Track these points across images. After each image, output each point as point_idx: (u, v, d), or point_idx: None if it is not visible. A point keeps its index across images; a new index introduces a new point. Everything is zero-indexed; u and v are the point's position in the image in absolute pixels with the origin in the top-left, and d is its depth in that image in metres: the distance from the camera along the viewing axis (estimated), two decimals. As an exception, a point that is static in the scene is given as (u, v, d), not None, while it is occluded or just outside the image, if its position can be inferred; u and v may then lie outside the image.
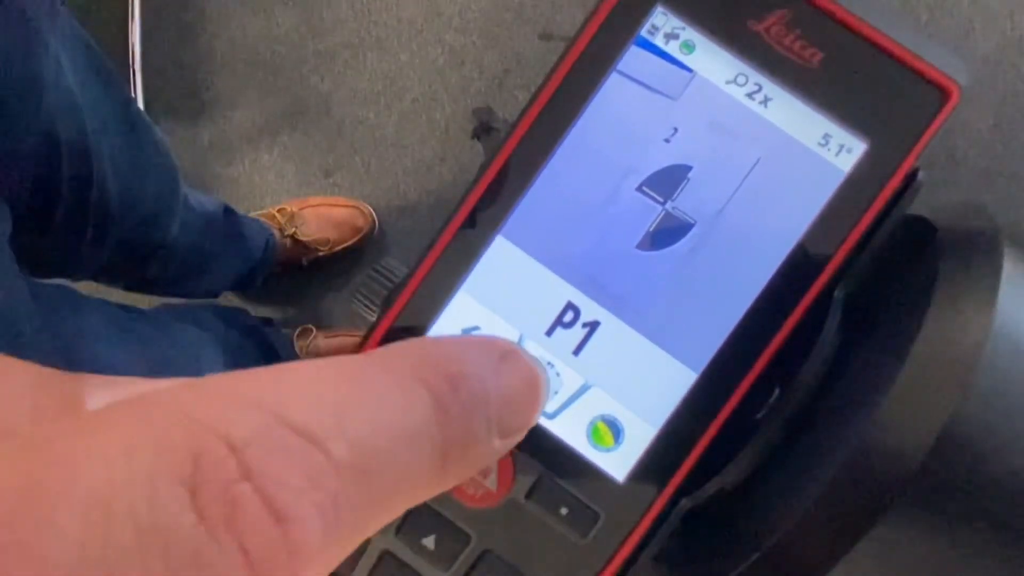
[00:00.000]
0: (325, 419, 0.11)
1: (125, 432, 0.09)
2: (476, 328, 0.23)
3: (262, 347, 0.90)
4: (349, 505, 0.10)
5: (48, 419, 0.12)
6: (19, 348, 0.45)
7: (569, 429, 0.23)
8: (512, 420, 0.13)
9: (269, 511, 0.09)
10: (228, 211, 0.87)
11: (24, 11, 0.50)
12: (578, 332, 0.23)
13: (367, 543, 0.23)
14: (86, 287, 0.71)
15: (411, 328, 0.24)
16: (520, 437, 0.14)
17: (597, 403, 0.23)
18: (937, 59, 0.22)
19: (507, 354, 0.13)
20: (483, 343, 0.13)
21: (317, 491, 0.10)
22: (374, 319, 0.24)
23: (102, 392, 0.13)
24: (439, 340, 0.13)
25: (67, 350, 0.52)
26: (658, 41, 0.23)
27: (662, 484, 0.23)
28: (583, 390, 0.23)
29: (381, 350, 0.13)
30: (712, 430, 0.23)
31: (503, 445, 0.13)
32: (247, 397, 0.10)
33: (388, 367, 0.12)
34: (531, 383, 0.14)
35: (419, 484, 0.12)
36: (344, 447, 0.10)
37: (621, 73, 0.23)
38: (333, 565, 0.11)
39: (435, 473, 0.12)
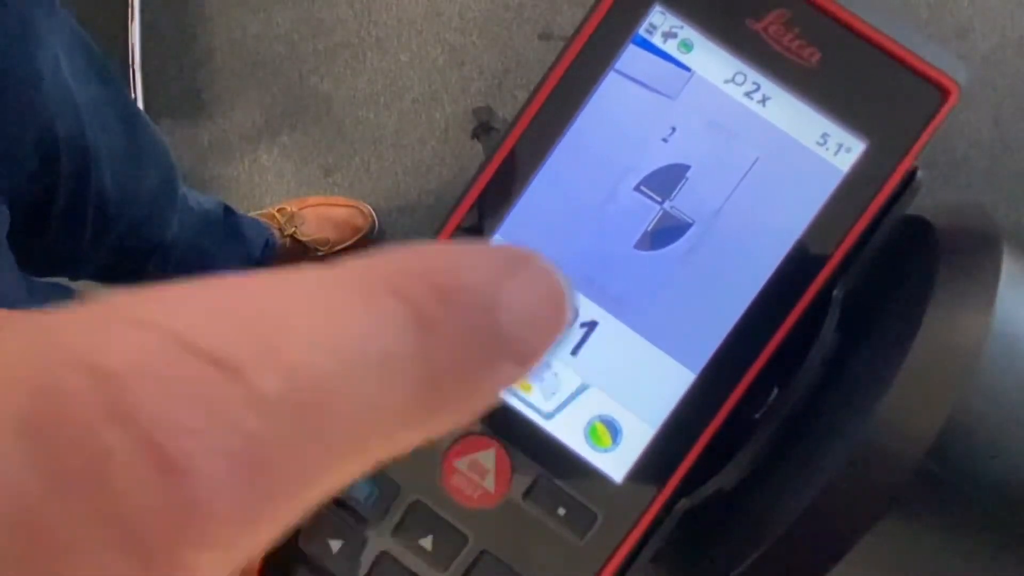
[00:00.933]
0: (248, 340, 0.08)
1: None
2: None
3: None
4: (280, 451, 0.08)
5: None
6: None
7: (567, 429, 0.23)
8: (528, 340, 0.10)
9: (150, 460, 0.07)
10: (227, 211, 0.87)
11: (21, 11, 0.50)
12: (576, 332, 0.23)
13: (363, 544, 0.23)
14: (85, 287, 0.71)
15: None
16: (538, 362, 0.11)
17: (595, 403, 0.23)
18: (936, 58, 0.22)
19: (519, 260, 0.11)
20: (487, 248, 0.11)
21: (225, 433, 0.08)
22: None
23: None
24: (426, 248, 0.10)
25: None
26: (656, 40, 0.23)
27: (660, 484, 0.23)
28: (581, 390, 0.23)
29: (348, 261, 0.10)
30: (711, 430, 0.23)
31: (517, 372, 0.10)
32: (138, 315, 0.08)
33: (353, 277, 0.10)
34: (551, 294, 0.11)
35: (398, 422, 0.09)
36: (274, 376, 0.08)
37: (619, 72, 0.23)
38: (262, 540, 0.08)
39: (421, 408, 0.09)
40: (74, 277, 0.71)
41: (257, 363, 0.08)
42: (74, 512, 0.07)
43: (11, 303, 0.47)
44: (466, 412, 0.10)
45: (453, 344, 0.10)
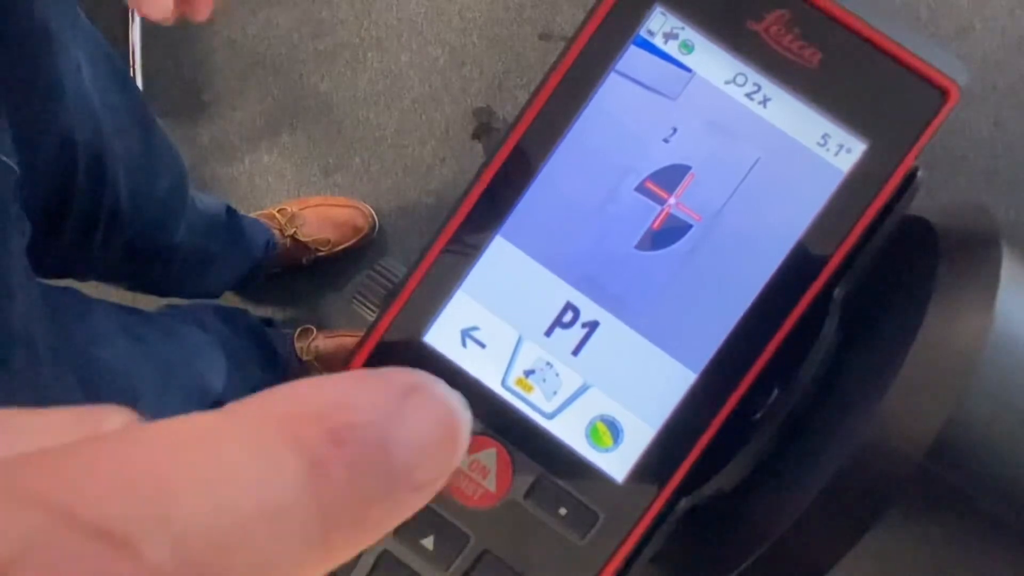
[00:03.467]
0: (135, 506, 0.08)
1: None
2: (475, 328, 0.23)
3: (263, 348, 0.90)
4: None
5: None
6: (32, 357, 0.46)
7: (568, 429, 0.23)
8: (425, 469, 0.11)
9: None
10: (231, 212, 0.87)
11: (46, 21, 0.50)
12: (577, 332, 0.23)
13: None
14: (86, 287, 0.71)
15: (410, 328, 0.24)
16: (441, 484, 0.11)
17: (596, 403, 0.23)
18: (936, 59, 0.22)
19: (412, 390, 0.11)
20: (380, 379, 0.11)
21: None
22: (373, 319, 0.24)
23: None
24: (321, 382, 0.10)
25: (78, 357, 0.52)
26: (657, 41, 0.23)
27: (661, 484, 0.23)
28: (582, 390, 0.23)
29: (238, 405, 0.10)
30: (711, 430, 0.23)
31: (418, 498, 0.11)
32: (30, 490, 0.08)
33: (246, 426, 0.10)
34: (446, 423, 0.11)
35: (291, 567, 0.09)
36: (164, 544, 0.08)
37: (620, 73, 0.23)
38: None
39: (316, 549, 0.10)
40: (82, 279, 0.71)
41: (146, 531, 0.08)
42: None
43: (28, 315, 0.47)
44: (365, 541, 0.10)
45: (348, 487, 0.10)
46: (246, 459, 0.09)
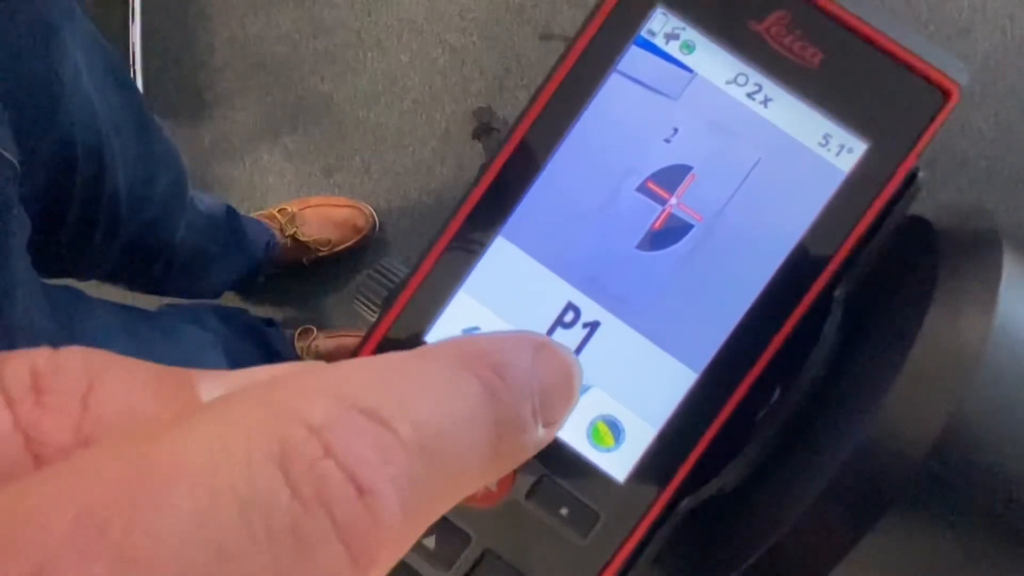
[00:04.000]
0: (389, 403, 0.11)
1: (219, 425, 0.11)
2: (476, 328, 0.23)
3: (263, 348, 0.90)
4: (419, 481, 0.11)
5: (168, 407, 0.14)
6: None
7: (569, 429, 0.23)
8: (553, 408, 0.14)
9: (352, 484, 0.10)
10: (231, 212, 0.87)
11: (45, 16, 0.50)
12: (578, 332, 0.23)
13: None
14: (86, 286, 0.71)
15: (411, 328, 0.24)
16: (560, 427, 0.14)
17: (597, 403, 0.23)
18: (937, 59, 0.22)
19: (541, 346, 0.14)
20: (518, 337, 0.14)
21: (391, 466, 0.11)
22: (375, 319, 0.24)
23: (211, 383, 0.14)
24: (476, 338, 0.14)
25: None
26: (658, 41, 0.23)
27: (662, 485, 0.23)
28: (583, 390, 0.23)
29: (427, 346, 0.14)
30: (712, 430, 0.23)
31: (546, 434, 0.14)
32: (318, 387, 0.12)
33: (437, 358, 0.13)
34: (566, 372, 0.14)
35: (477, 467, 0.13)
36: (409, 427, 0.11)
37: (621, 73, 0.23)
38: (408, 544, 0.11)
39: (490, 456, 0.13)
40: (82, 278, 0.71)
41: (397, 417, 0.11)
42: (310, 513, 0.10)
43: (31, 313, 0.47)
44: (515, 461, 0.14)
45: (510, 408, 0.13)
46: (444, 381, 0.13)
